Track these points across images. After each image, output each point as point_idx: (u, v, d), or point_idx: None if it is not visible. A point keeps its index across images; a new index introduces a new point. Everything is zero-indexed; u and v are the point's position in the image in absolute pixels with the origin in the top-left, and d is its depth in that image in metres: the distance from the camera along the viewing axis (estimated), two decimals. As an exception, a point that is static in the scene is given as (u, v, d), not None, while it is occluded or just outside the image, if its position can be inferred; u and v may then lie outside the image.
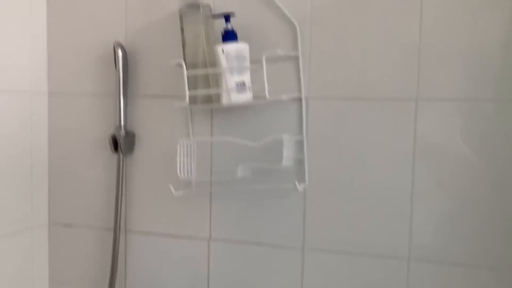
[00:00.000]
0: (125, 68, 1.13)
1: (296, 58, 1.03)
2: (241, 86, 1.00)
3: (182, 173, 1.02)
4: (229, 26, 1.00)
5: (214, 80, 1.02)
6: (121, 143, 1.13)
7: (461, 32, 0.93)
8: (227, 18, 1.00)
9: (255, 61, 0.99)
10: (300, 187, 0.97)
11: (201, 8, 1.00)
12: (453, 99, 0.95)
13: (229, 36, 1.00)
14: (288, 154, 0.97)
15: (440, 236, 0.97)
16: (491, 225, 0.94)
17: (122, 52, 1.12)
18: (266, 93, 0.94)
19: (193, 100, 1.03)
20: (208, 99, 1.03)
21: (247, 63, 1.01)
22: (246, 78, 1.01)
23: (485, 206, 0.94)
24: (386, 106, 0.99)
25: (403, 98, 0.98)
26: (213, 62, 1.00)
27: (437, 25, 0.95)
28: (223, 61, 0.98)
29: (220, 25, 1.02)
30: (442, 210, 0.97)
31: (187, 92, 0.99)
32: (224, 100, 1.00)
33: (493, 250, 0.94)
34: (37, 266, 1.21)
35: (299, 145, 1.04)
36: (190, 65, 1.03)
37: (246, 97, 1.01)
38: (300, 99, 1.04)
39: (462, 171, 0.95)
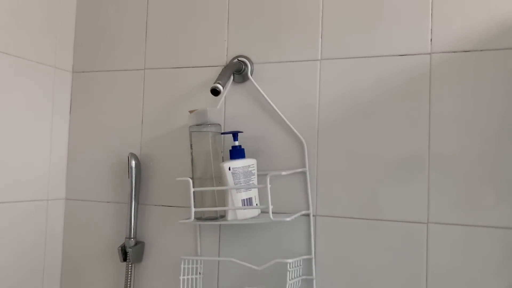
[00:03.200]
0: (138, 178, 1.15)
1: (303, 174, 1.02)
2: (248, 204, 0.99)
3: (185, 292, 1.00)
4: (237, 144, 1.01)
5: (221, 196, 1.02)
6: (130, 254, 1.13)
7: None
8: (235, 136, 1.02)
9: (263, 175, 0.99)
10: (306, 313, 0.92)
11: (209, 126, 1.03)
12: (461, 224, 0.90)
13: (236, 153, 1.01)
14: (292, 279, 0.93)
15: None
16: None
17: (135, 162, 1.15)
18: (271, 215, 0.92)
19: (199, 215, 1.02)
20: (215, 215, 1.03)
21: (254, 178, 1.01)
22: (254, 194, 1.01)
23: None
24: (396, 227, 0.95)
25: (413, 220, 0.93)
26: (220, 178, 1.01)
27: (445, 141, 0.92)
28: (229, 179, 0.98)
29: (230, 139, 1.03)
30: None
31: (193, 209, 0.99)
32: (230, 217, 0.99)
33: None
34: None
35: (308, 264, 1.00)
36: (198, 180, 1.03)
37: (252, 213, 1.00)
38: (308, 215, 1.01)
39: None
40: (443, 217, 0.92)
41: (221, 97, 1.08)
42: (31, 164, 1.16)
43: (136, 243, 1.15)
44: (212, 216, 1.03)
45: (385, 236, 0.95)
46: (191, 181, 1.00)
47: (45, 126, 1.20)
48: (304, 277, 0.99)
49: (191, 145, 1.04)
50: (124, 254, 1.14)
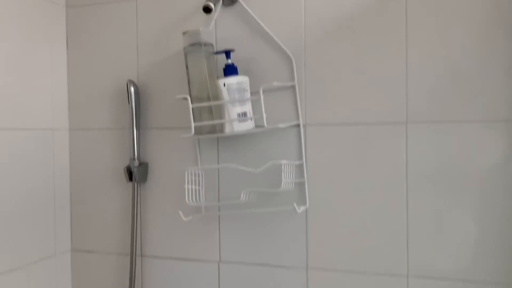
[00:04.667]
0: (137, 103, 1.23)
1: (293, 88, 1.11)
2: (242, 116, 1.07)
3: (190, 200, 1.09)
4: (230, 61, 1.09)
5: (217, 111, 1.10)
6: (135, 173, 1.22)
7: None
8: (227, 54, 1.09)
9: (255, 92, 1.07)
10: (299, 209, 1.03)
11: (203, 46, 1.09)
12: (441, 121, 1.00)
13: (230, 70, 1.08)
14: (287, 179, 1.03)
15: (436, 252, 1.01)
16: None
17: (134, 88, 1.22)
18: (265, 122, 1.01)
19: (198, 130, 1.11)
20: (213, 130, 1.11)
21: (248, 94, 1.09)
22: (248, 108, 1.09)
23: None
24: (378, 129, 1.05)
25: (393, 122, 1.03)
26: (216, 95, 1.09)
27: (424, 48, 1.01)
28: (225, 94, 1.06)
29: (222, 61, 1.10)
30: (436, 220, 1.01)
31: (193, 124, 1.07)
32: (227, 130, 1.08)
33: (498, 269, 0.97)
34: (60, 291, 1.29)
35: (300, 169, 1.10)
36: (196, 99, 1.11)
37: (247, 126, 1.09)
38: (298, 126, 1.11)
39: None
40: (421, 116, 1.02)
41: (213, 17, 1.14)
42: (34, 95, 1.22)
43: (140, 164, 1.23)
44: (210, 130, 1.12)
45: (367, 139, 1.05)
46: (189, 98, 1.08)
47: (44, 58, 1.25)
48: (297, 180, 1.09)
49: (186, 66, 1.11)
50: (130, 175, 1.23)
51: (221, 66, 1.10)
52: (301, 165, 1.10)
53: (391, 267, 1.04)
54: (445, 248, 1.00)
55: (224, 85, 1.06)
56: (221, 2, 1.13)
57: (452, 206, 1.00)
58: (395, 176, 1.04)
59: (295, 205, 1.00)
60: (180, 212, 1.12)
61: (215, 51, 1.13)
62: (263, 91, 1.03)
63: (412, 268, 1.02)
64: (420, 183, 1.02)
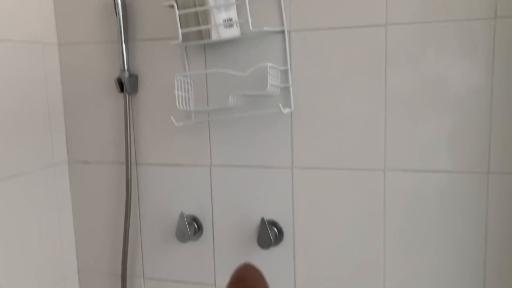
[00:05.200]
0: (125, 15, 1.24)
1: (277, -6, 1.13)
2: (228, 22, 1.10)
3: (180, 105, 1.15)
4: (214, -33, 1.10)
5: (204, 18, 1.12)
6: (126, 84, 1.26)
7: None
8: (212, -40, 1.10)
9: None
10: (285, 110, 1.09)
11: (188, -48, 1.10)
12: None
13: (214, -24, 1.10)
14: (272, 81, 1.08)
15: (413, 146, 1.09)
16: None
17: (121, 0, 1.23)
18: (250, 25, 1.05)
19: (185, 37, 1.14)
20: (200, 36, 1.14)
21: (233, 0, 1.11)
22: (233, 14, 1.12)
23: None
24: (359, 32, 1.09)
25: (374, 24, 1.07)
26: (202, 1, 1.11)
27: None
28: (210, 0, 1.09)
29: (207, -32, 1.11)
30: (412, 125, 1.08)
31: (180, 30, 1.10)
32: (214, 36, 1.11)
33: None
34: (61, 198, 1.37)
35: (285, 74, 1.15)
36: (182, 7, 1.13)
37: (233, 32, 1.12)
38: (283, 32, 1.14)
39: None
40: (401, 18, 1.06)
41: None
42: (21, 7, 1.22)
43: (130, 75, 1.27)
44: (197, 37, 1.15)
45: (348, 44, 1.10)
46: (175, 4, 1.10)
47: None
48: (282, 85, 1.15)
49: (172, -27, 1.12)
50: (121, 86, 1.27)
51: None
52: (286, 71, 1.15)
53: (369, 162, 1.12)
54: (419, 144, 1.08)
55: (210, -10, 1.08)
56: None
57: (427, 110, 1.06)
58: (374, 77, 1.09)
59: (280, 106, 1.06)
60: (171, 117, 1.17)
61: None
62: (247, -3, 1.05)
63: (388, 163, 1.10)
64: (398, 81, 1.08)
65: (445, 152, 1.06)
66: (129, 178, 1.30)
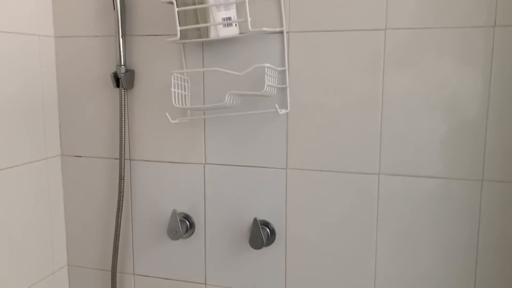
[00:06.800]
0: (123, 9, 1.23)
1: (277, -6, 1.13)
2: (227, 21, 1.10)
3: (177, 102, 1.14)
4: (215, -35, 1.09)
5: (203, 16, 1.12)
6: (122, 79, 1.25)
7: None
8: (212, -43, 1.09)
9: (241, -2, 1.09)
10: (281, 111, 1.08)
11: (189, -51, 1.09)
12: None
13: (215, -26, 1.09)
14: (270, 82, 1.07)
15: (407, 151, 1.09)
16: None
17: (119, -6, 1.22)
18: (249, 25, 1.04)
19: (184, 34, 1.13)
20: (198, 34, 1.14)
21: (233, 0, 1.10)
22: (232, 13, 1.11)
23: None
24: (358, 35, 1.08)
25: (374, 29, 1.07)
26: (201, 2, 1.10)
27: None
28: (210, -2, 1.08)
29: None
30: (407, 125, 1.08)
31: (178, 27, 1.09)
32: (212, 34, 1.10)
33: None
34: (53, 192, 1.36)
35: (282, 75, 1.15)
36: (181, 3, 1.12)
37: (232, 31, 1.11)
38: (282, 33, 1.13)
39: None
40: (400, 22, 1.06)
41: None
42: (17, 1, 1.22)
43: (127, 70, 1.26)
44: (196, 35, 1.14)
45: (346, 47, 1.10)
46: (175, 1, 1.09)
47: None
48: (279, 85, 1.14)
49: (172, -31, 1.11)
50: (117, 80, 1.26)
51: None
52: (283, 71, 1.15)
53: (363, 166, 1.12)
54: (414, 148, 1.08)
55: (210, -12, 1.08)
56: None
57: (422, 110, 1.07)
58: (372, 88, 1.09)
59: (276, 106, 1.05)
60: (167, 114, 1.16)
61: (200, -46, 1.13)
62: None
63: (383, 167, 1.10)
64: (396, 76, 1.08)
65: (439, 158, 1.07)
66: (122, 174, 1.30)
